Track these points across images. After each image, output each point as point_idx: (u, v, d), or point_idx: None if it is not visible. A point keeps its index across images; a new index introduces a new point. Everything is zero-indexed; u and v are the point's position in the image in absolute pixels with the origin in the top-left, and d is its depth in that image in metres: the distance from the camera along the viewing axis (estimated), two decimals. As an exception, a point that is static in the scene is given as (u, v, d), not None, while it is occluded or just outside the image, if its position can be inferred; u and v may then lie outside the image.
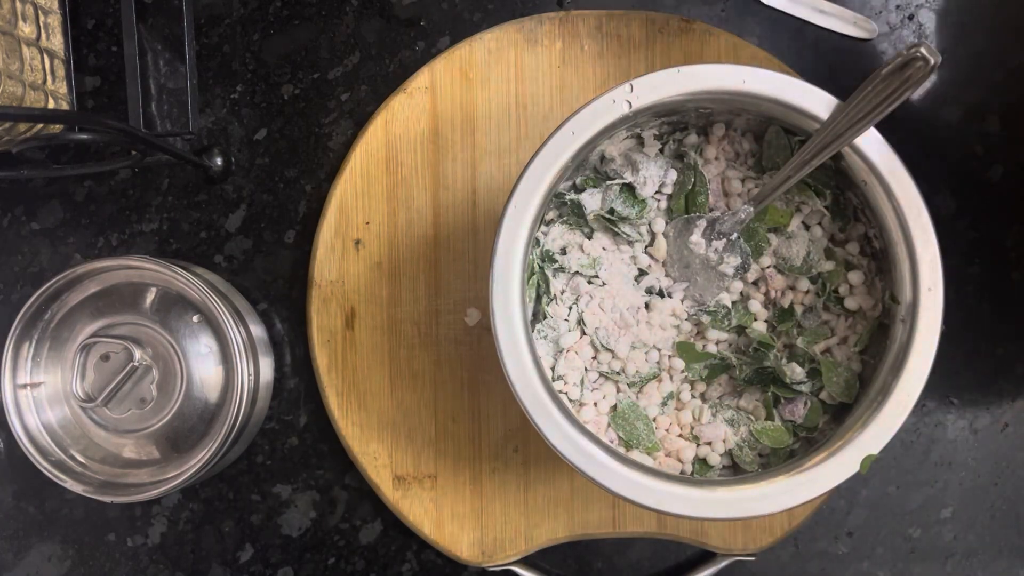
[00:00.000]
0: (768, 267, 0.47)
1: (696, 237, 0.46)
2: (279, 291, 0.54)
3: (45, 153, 0.54)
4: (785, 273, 0.46)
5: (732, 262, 0.46)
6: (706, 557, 0.53)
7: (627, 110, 0.41)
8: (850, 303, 0.46)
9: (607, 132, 0.41)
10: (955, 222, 0.54)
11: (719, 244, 0.46)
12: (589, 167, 0.47)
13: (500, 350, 0.40)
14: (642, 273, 0.47)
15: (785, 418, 0.46)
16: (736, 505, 0.40)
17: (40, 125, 0.49)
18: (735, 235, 0.45)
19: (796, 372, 0.45)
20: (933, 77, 0.54)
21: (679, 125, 0.46)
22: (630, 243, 0.47)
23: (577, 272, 0.47)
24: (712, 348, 0.47)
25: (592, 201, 0.47)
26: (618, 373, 0.46)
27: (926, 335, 0.41)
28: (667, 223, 0.47)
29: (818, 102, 0.41)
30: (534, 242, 0.45)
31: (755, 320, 0.47)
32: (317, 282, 0.53)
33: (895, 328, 0.42)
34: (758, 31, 0.54)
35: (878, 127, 0.40)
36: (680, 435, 0.46)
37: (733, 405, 0.47)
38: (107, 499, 0.48)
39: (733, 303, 0.47)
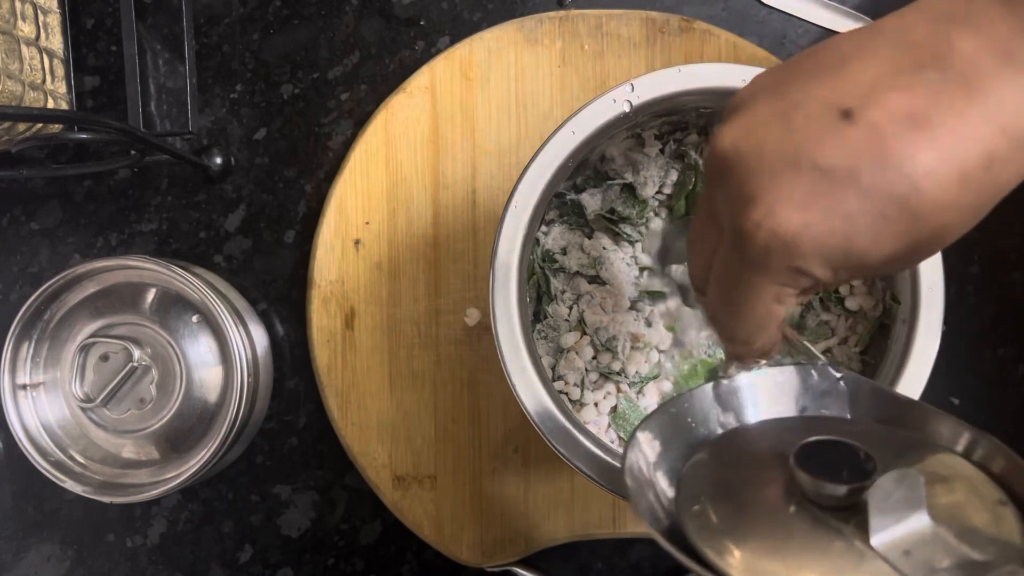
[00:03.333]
0: None
1: None
2: (279, 291, 0.54)
3: (44, 153, 0.54)
4: None
5: None
6: (706, 557, 0.53)
7: (627, 110, 0.41)
8: (851, 303, 0.46)
9: (607, 132, 0.41)
10: (955, 222, 0.54)
11: None
12: (589, 167, 0.47)
13: (500, 350, 0.40)
14: (643, 273, 0.47)
15: None
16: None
17: (39, 125, 0.49)
18: None
19: None
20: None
21: (679, 125, 0.46)
22: (631, 243, 0.47)
23: (577, 272, 0.47)
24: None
25: (592, 201, 0.46)
26: (618, 373, 0.46)
27: (927, 335, 0.41)
28: (666, 224, 0.47)
29: None
30: (534, 242, 0.45)
31: None
32: (317, 282, 0.53)
33: (896, 328, 0.42)
34: (758, 31, 0.54)
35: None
36: None
37: None
38: (106, 499, 0.48)
39: None
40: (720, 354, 0.47)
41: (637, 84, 0.40)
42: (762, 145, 0.26)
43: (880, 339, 0.44)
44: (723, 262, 0.29)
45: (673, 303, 0.47)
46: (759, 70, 0.40)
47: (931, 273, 0.41)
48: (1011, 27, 0.24)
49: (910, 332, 0.41)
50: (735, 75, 0.40)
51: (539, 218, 0.42)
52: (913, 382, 0.40)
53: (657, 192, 0.47)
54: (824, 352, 0.46)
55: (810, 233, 0.25)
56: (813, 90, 0.26)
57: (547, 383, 0.41)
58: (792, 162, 0.25)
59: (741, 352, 0.32)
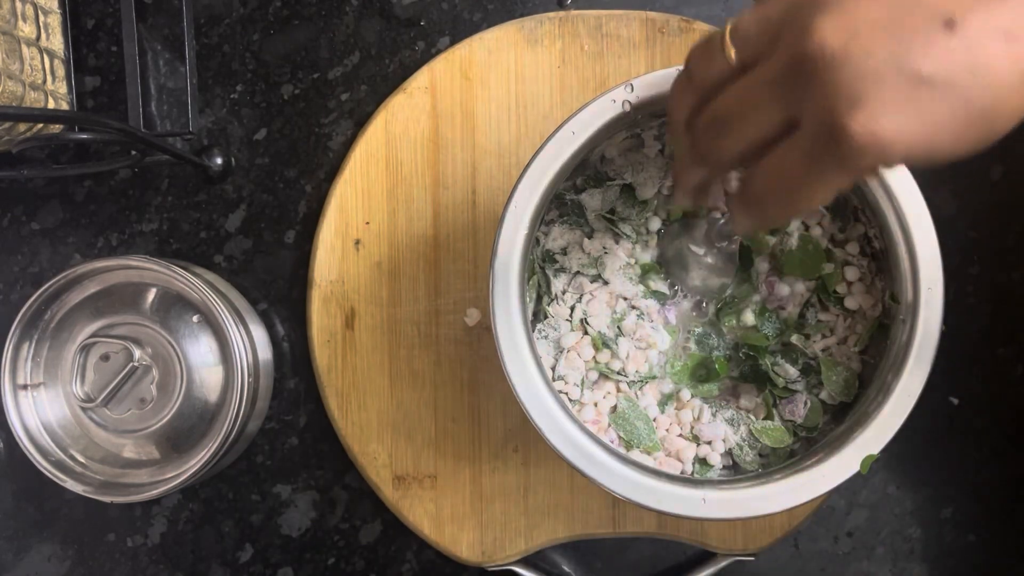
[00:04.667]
0: (768, 274, 0.47)
1: (695, 244, 0.46)
2: (279, 291, 0.54)
3: (45, 153, 0.54)
4: (784, 276, 0.46)
5: (729, 272, 0.46)
6: (706, 557, 0.53)
7: (626, 110, 0.41)
8: (850, 303, 0.46)
9: (607, 132, 0.41)
10: (955, 222, 0.54)
11: (722, 246, 0.46)
12: (589, 168, 0.47)
13: (500, 351, 0.40)
14: (645, 273, 0.47)
15: (785, 418, 0.46)
16: (736, 505, 0.40)
17: (40, 125, 0.49)
18: (730, 242, 0.45)
19: (790, 372, 0.45)
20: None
21: None
22: (631, 243, 0.47)
23: (578, 272, 0.47)
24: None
25: (592, 201, 0.47)
26: (618, 373, 0.46)
27: (926, 334, 0.41)
28: (663, 224, 0.47)
29: None
30: (534, 242, 0.45)
31: (746, 320, 0.47)
32: (317, 282, 0.53)
33: (895, 328, 0.42)
34: (758, 31, 0.54)
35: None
36: (680, 435, 0.46)
37: (733, 405, 0.47)
38: (107, 499, 0.48)
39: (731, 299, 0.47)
40: (716, 355, 0.47)
41: (636, 84, 0.40)
42: (871, 49, 0.27)
43: (880, 339, 0.44)
44: (796, 151, 0.29)
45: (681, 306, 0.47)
46: None
47: (931, 272, 0.41)
48: None
49: (910, 331, 0.41)
50: None
51: (539, 218, 0.42)
52: (913, 381, 0.41)
53: (657, 193, 0.47)
54: (823, 351, 0.46)
55: (904, 137, 0.27)
56: None
57: (548, 384, 0.41)
58: (898, 68, 0.27)
59: (763, 225, 0.35)
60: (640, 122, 0.43)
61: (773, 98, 0.30)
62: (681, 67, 0.40)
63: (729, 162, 0.33)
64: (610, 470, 0.40)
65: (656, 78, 0.40)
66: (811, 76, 0.28)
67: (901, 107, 0.27)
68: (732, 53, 0.31)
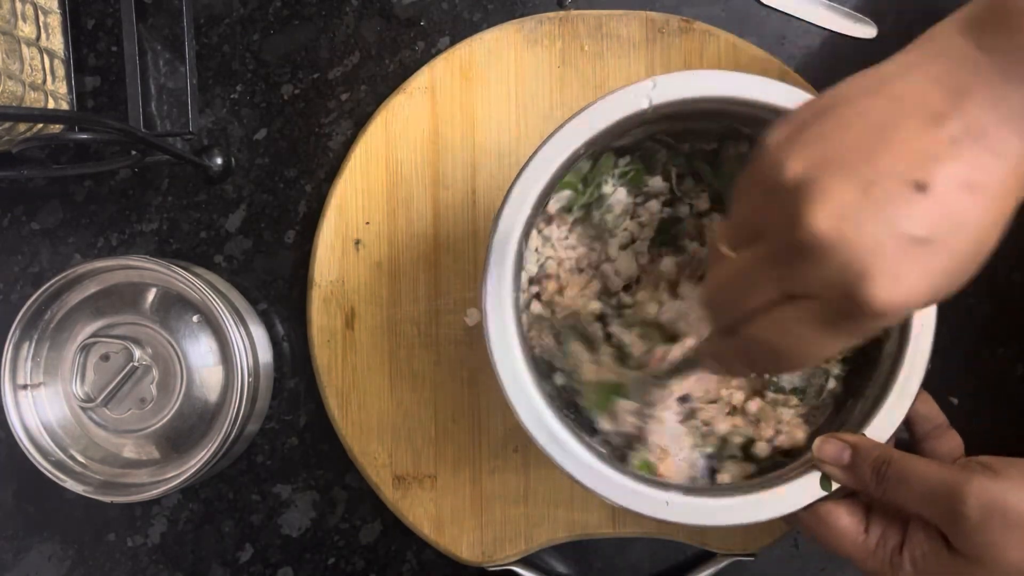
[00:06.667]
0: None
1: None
2: (279, 291, 0.54)
3: (45, 153, 0.54)
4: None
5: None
6: (706, 557, 0.53)
7: (646, 106, 0.40)
8: None
9: (622, 127, 0.41)
10: (955, 222, 0.54)
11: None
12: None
13: (495, 364, 0.40)
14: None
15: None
16: (738, 511, 0.40)
17: (40, 125, 0.49)
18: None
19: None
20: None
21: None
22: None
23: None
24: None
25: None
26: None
27: (921, 332, 0.40)
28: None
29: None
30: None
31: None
32: (317, 282, 0.53)
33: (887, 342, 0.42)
34: (758, 31, 0.54)
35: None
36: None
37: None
38: (107, 499, 0.48)
39: None
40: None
41: (659, 81, 0.39)
42: (861, 226, 0.29)
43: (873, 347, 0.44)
44: (809, 318, 0.31)
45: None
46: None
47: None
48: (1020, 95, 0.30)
49: (904, 328, 0.41)
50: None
51: (544, 200, 0.41)
52: (910, 379, 0.40)
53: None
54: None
55: (916, 294, 0.29)
56: (878, 165, 0.29)
57: (541, 383, 0.41)
58: (891, 236, 0.29)
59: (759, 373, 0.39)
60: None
61: (770, 278, 0.32)
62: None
63: (728, 326, 0.35)
64: (606, 477, 0.40)
65: (679, 78, 0.40)
66: (813, 260, 0.30)
67: (906, 269, 0.29)
68: (726, 250, 0.34)
